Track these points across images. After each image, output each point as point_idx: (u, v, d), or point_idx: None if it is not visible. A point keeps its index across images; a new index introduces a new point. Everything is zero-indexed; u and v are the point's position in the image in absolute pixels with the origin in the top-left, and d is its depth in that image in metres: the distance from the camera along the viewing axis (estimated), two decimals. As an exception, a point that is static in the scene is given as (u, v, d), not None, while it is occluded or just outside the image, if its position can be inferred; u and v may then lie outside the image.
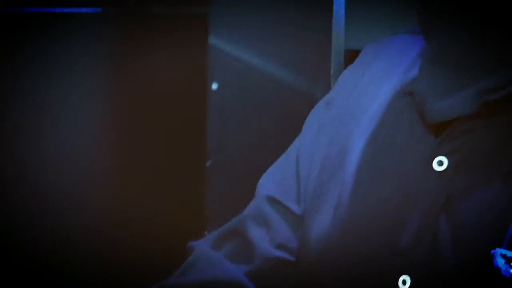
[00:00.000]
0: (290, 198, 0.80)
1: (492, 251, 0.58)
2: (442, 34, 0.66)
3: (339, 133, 0.78)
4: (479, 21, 0.64)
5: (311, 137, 0.82)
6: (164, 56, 2.01)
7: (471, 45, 0.64)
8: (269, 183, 0.83)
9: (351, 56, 1.89)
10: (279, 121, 1.84)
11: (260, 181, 0.85)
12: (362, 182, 0.73)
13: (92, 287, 1.94)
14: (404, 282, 0.64)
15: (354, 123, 0.77)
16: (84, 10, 2.03)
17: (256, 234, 0.79)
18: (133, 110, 2.03)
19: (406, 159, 0.69)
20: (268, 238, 0.78)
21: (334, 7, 1.74)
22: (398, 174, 0.70)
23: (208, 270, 0.77)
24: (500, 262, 0.58)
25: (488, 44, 0.64)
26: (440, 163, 0.66)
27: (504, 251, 0.58)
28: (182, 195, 2.00)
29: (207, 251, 0.80)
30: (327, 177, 0.76)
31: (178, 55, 2.01)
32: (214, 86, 1.97)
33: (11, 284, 1.90)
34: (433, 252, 0.63)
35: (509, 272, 0.57)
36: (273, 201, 0.80)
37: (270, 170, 0.86)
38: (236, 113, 1.95)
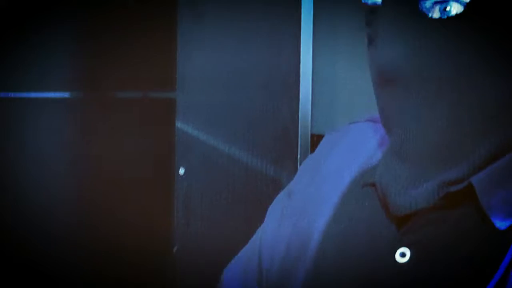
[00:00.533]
0: None
1: None
2: (402, 127, 0.67)
3: (302, 220, 0.79)
4: (438, 115, 0.65)
5: (273, 226, 0.82)
6: (131, 140, 2.02)
7: (431, 138, 0.66)
8: (232, 279, 0.84)
9: (318, 140, 1.90)
10: (247, 204, 1.83)
11: (223, 275, 0.86)
12: (326, 266, 0.73)
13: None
14: None
15: (316, 211, 0.78)
16: (52, 95, 2.05)
17: None
18: (99, 194, 2.01)
19: (367, 249, 0.70)
20: None
21: (301, 91, 1.75)
22: (360, 263, 0.70)
23: None
24: None
25: (448, 137, 0.65)
26: (403, 254, 0.66)
27: None
28: (149, 279, 1.94)
29: None
30: (291, 262, 0.77)
31: (145, 139, 2.02)
32: (181, 170, 1.96)
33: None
34: None
35: None
36: None
37: (233, 264, 0.86)
38: (203, 197, 1.93)
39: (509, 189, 0.64)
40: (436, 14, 0.64)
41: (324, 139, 0.87)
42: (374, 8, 0.68)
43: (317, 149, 0.87)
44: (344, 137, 0.83)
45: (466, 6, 0.63)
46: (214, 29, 1.92)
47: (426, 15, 0.64)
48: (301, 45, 1.72)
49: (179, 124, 1.96)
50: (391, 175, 0.68)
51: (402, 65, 0.64)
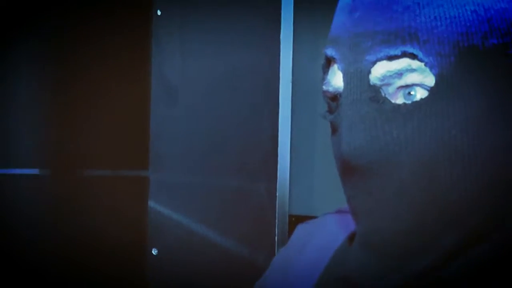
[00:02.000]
0: None
1: None
2: (369, 216, 0.66)
3: None
4: (406, 203, 0.64)
5: None
6: (102, 219, 1.96)
7: (399, 228, 0.65)
8: None
9: (296, 221, 1.87)
10: (221, 288, 1.77)
11: None
12: None
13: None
14: None
15: None
16: (20, 171, 2.01)
17: None
18: (68, 276, 1.94)
19: None
20: None
21: (279, 170, 1.71)
22: None
23: None
24: None
25: (416, 226, 0.64)
26: None
27: None
28: None
29: None
30: None
31: (118, 219, 1.96)
32: (154, 251, 1.92)
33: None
34: None
35: None
36: None
37: None
38: (176, 279, 1.88)
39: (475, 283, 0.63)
40: (400, 100, 0.64)
41: (295, 232, 0.87)
42: (335, 95, 0.68)
43: (289, 243, 0.87)
44: (317, 232, 0.84)
45: (430, 90, 0.62)
46: (188, 107, 1.89)
47: (389, 101, 0.64)
48: (279, 122, 1.70)
49: (151, 204, 1.92)
50: (361, 267, 0.68)
51: (367, 152, 0.64)
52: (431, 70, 0.62)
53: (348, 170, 0.66)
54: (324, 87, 0.69)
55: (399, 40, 0.63)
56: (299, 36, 1.76)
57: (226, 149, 1.79)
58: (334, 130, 0.69)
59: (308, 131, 1.87)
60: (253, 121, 1.76)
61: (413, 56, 0.62)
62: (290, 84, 1.73)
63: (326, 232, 0.83)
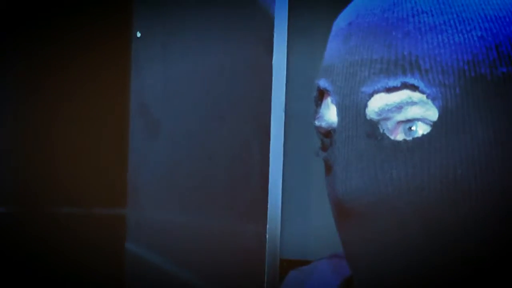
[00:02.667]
0: None
1: None
2: (367, 262, 0.64)
3: None
4: (408, 245, 0.62)
5: None
6: (74, 262, 1.86)
7: (404, 279, 0.62)
8: None
9: (288, 266, 1.80)
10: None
11: None
12: None
13: None
14: None
15: None
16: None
17: None
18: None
19: None
20: None
21: (269, 210, 1.58)
22: None
23: None
24: None
25: (421, 279, 0.62)
26: None
27: None
28: None
29: None
30: None
31: (91, 263, 1.86)
32: None
33: None
34: None
35: None
36: None
37: None
38: None
39: None
40: (400, 136, 0.62)
41: (288, 279, 0.86)
42: (329, 131, 0.66)
43: None
44: (309, 280, 0.82)
45: (433, 125, 0.60)
46: (170, 139, 1.79)
47: (388, 137, 0.61)
48: (270, 158, 1.59)
49: (129, 246, 1.85)
50: None
51: (364, 194, 0.61)
52: (433, 102, 0.59)
53: (344, 213, 0.64)
54: (317, 122, 0.67)
55: (399, 70, 0.60)
56: (292, 64, 1.68)
57: (212, 186, 1.70)
58: (328, 169, 0.66)
59: (302, 168, 1.78)
60: (241, 156, 1.67)
61: (414, 88, 0.60)
62: (283, 116, 1.63)
63: (319, 280, 0.81)
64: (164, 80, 1.81)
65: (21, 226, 1.87)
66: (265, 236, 1.59)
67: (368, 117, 0.62)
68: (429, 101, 0.60)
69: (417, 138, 0.60)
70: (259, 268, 1.60)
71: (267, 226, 1.59)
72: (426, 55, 0.60)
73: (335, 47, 0.66)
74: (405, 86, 0.60)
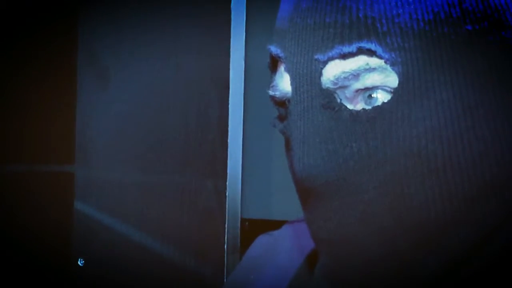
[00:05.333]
0: None
1: None
2: (334, 244, 0.62)
3: None
4: (373, 229, 0.60)
5: None
6: (21, 222, 1.78)
7: (369, 260, 0.60)
8: None
9: (250, 227, 1.78)
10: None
11: None
12: None
13: None
14: None
15: None
16: None
17: None
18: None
19: None
20: None
21: (229, 166, 1.55)
22: None
23: None
24: None
25: (388, 259, 0.60)
26: None
27: None
28: None
29: None
30: None
31: (38, 223, 1.79)
32: (80, 262, 1.78)
33: None
34: None
35: None
36: None
37: None
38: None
39: None
40: (359, 105, 0.59)
41: (258, 243, 0.84)
42: (284, 101, 0.63)
43: (247, 258, 0.83)
44: (281, 246, 0.81)
45: (394, 92, 0.57)
46: (120, 91, 1.73)
47: (346, 107, 0.59)
48: (229, 111, 1.55)
49: (78, 205, 1.79)
50: None
51: (323, 170, 0.58)
52: (393, 68, 0.56)
53: (304, 191, 0.61)
54: (271, 92, 0.63)
55: (354, 34, 0.57)
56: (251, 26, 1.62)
57: (166, 141, 1.65)
58: (287, 142, 0.63)
59: (264, 121, 1.72)
60: (198, 109, 1.62)
61: (371, 53, 0.57)
62: (243, 65, 1.58)
63: (287, 248, 0.80)
64: (115, 26, 1.74)
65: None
66: (225, 194, 1.56)
67: (323, 87, 0.58)
68: (388, 67, 0.56)
69: (377, 106, 0.57)
70: (219, 228, 1.57)
71: (227, 183, 1.56)
72: (383, 16, 0.57)
73: (287, 9, 0.62)
74: (361, 51, 0.57)
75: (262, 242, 0.84)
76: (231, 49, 1.55)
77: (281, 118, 0.64)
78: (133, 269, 1.69)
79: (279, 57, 0.62)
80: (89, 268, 1.74)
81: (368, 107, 0.58)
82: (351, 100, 0.59)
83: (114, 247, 1.70)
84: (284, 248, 0.80)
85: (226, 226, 1.56)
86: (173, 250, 1.62)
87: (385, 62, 0.56)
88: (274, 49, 0.62)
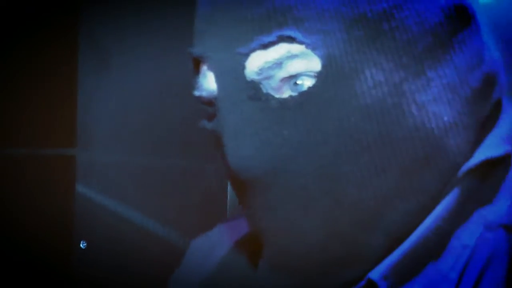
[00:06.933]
0: None
1: None
2: (274, 234, 0.62)
3: None
4: (312, 213, 0.60)
5: None
6: (24, 205, 1.78)
7: (313, 245, 0.60)
8: None
9: None
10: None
11: None
12: None
13: None
14: None
15: None
16: None
17: None
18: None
19: None
20: None
21: None
22: None
23: None
24: None
25: (332, 242, 0.60)
26: None
27: None
28: None
29: None
30: None
31: (40, 206, 1.79)
32: (83, 244, 1.79)
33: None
34: None
35: None
36: None
37: None
38: (107, 276, 1.72)
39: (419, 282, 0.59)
40: (286, 93, 0.58)
41: (190, 249, 0.85)
42: (211, 100, 0.62)
43: (184, 262, 0.83)
44: (213, 242, 0.81)
45: (318, 76, 0.57)
46: (122, 74, 1.73)
47: (273, 97, 0.58)
48: None
49: (79, 188, 1.79)
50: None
51: (258, 161, 0.58)
52: (315, 52, 0.56)
53: (240, 184, 0.60)
54: (197, 92, 0.64)
55: (273, 23, 0.57)
56: None
57: (168, 124, 1.65)
58: (218, 140, 0.62)
59: None
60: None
61: (291, 40, 0.56)
62: None
63: (221, 242, 0.80)
64: (116, 10, 1.74)
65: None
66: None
67: (248, 79, 0.58)
68: (310, 51, 0.56)
69: (304, 92, 0.57)
70: (220, 211, 1.58)
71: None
72: (299, 2, 0.57)
73: (204, 8, 0.62)
74: (281, 39, 0.56)
75: (196, 244, 0.85)
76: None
77: (210, 117, 0.64)
78: (134, 251, 1.70)
79: (201, 57, 0.62)
80: (91, 250, 1.76)
81: (294, 94, 0.58)
82: (277, 90, 0.59)
83: (116, 229, 1.70)
84: (218, 243, 0.81)
85: (227, 208, 1.58)
86: (174, 232, 1.63)
87: (306, 47, 0.56)
88: (196, 50, 0.62)
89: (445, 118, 0.60)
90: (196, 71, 0.64)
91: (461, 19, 0.61)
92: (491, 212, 0.61)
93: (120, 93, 1.73)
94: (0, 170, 1.79)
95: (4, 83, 1.80)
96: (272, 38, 0.57)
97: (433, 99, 0.59)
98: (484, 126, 0.64)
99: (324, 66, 0.57)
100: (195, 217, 1.60)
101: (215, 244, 0.81)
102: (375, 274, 0.58)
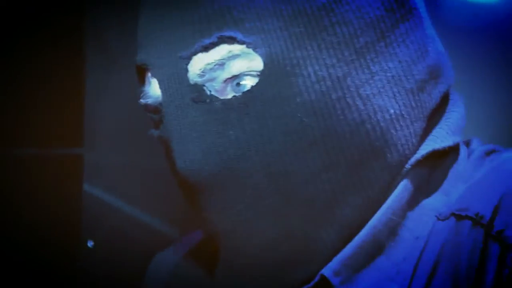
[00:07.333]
0: None
1: None
2: (229, 238, 0.62)
3: None
4: (264, 215, 0.60)
5: None
6: (30, 205, 1.76)
7: (268, 243, 0.60)
8: None
9: None
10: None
11: None
12: None
13: None
14: None
15: None
16: None
17: None
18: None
19: None
20: None
21: None
22: None
23: None
24: None
25: (287, 239, 0.59)
26: None
27: None
28: None
29: None
30: None
31: (47, 205, 1.77)
32: (90, 243, 1.77)
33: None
34: None
35: None
36: None
37: None
38: (115, 275, 1.70)
39: (371, 275, 0.58)
40: (230, 94, 0.58)
41: (153, 265, 0.87)
42: (157, 107, 0.62)
43: (147, 280, 0.87)
44: (171, 264, 0.82)
45: (261, 75, 0.57)
46: (129, 75, 1.68)
47: (217, 98, 0.58)
48: None
49: (86, 187, 1.77)
50: None
51: (206, 164, 0.58)
52: (256, 51, 0.56)
53: (190, 189, 0.60)
54: (142, 100, 0.64)
55: (213, 25, 0.57)
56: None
57: None
58: (166, 147, 0.62)
59: None
60: None
61: (232, 40, 0.56)
62: None
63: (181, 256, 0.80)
64: (123, 9, 1.69)
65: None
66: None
67: (192, 82, 0.58)
68: (251, 51, 0.56)
69: (247, 91, 0.57)
70: None
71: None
72: (238, 3, 0.56)
73: (144, 15, 0.62)
74: (222, 40, 0.56)
75: (158, 259, 0.85)
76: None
77: (157, 124, 0.63)
78: (142, 251, 1.60)
79: (145, 65, 0.61)
80: (99, 249, 1.74)
81: (238, 94, 0.57)
82: (221, 91, 0.59)
83: (124, 228, 1.69)
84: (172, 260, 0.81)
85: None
86: (181, 232, 1.61)
87: (247, 46, 0.56)
88: (139, 58, 0.62)
89: (391, 111, 0.59)
90: (141, 79, 0.63)
91: (403, 12, 0.60)
92: (441, 202, 0.60)
93: (127, 93, 1.71)
94: (7, 169, 1.78)
95: (10, 83, 1.78)
96: (212, 39, 0.57)
97: (378, 92, 0.58)
98: (432, 118, 0.63)
99: (266, 64, 0.56)
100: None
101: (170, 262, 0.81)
102: (327, 270, 0.58)
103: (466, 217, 0.58)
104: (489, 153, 0.64)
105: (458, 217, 0.58)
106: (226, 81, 0.58)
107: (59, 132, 1.81)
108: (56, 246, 1.75)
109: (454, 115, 0.64)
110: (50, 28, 1.80)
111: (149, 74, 0.62)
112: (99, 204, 1.72)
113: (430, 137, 0.62)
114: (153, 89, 0.62)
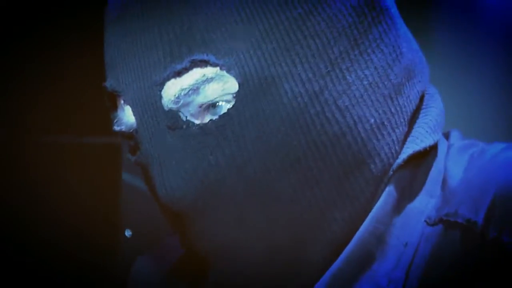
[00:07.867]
0: None
1: None
2: (219, 258, 0.60)
3: None
4: (250, 236, 0.59)
5: None
6: (68, 194, 1.79)
7: (255, 262, 0.59)
8: None
9: None
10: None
11: None
12: None
13: None
14: None
15: None
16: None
17: None
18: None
19: None
20: None
21: None
22: None
23: None
24: None
25: (274, 256, 0.59)
26: None
27: None
28: None
29: None
30: None
31: (85, 194, 1.81)
32: (128, 233, 1.78)
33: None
34: None
35: None
36: None
37: None
38: None
39: None
40: (206, 118, 0.57)
41: (136, 268, 0.84)
42: (131, 133, 0.61)
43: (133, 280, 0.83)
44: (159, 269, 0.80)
45: (237, 96, 0.55)
46: None
47: (193, 123, 0.57)
48: None
49: (125, 176, 1.78)
50: None
51: (187, 191, 0.57)
52: (230, 72, 0.55)
53: (173, 215, 0.59)
54: (116, 127, 0.61)
55: (184, 49, 0.55)
56: None
57: None
58: (145, 172, 0.61)
59: None
60: None
61: (204, 63, 0.55)
62: None
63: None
64: None
65: (14, 156, 1.81)
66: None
67: (166, 108, 0.56)
68: (225, 72, 0.55)
69: (224, 114, 0.56)
70: None
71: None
72: (208, 23, 0.55)
73: (111, 39, 0.60)
74: (194, 64, 0.55)
75: (142, 263, 0.84)
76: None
77: (134, 150, 0.62)
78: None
79: (116, 91, 0.59)
80: (137, 238, 1.75)
81: (215, 117, 0.56)
82: (197, 116, 0.57)
83: (161, 217, 1.69)
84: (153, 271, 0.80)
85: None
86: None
87: (221, 68, 0.54)
88: (109, 84, 0.60)
89: (371, 120, 0.58)
90: (113, 107, 0.62)
91: (374, 14, 0.59)
92: (427, 204, 0.59)
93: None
94: (46, 157, 1.80)
95: (50, 71, 1.79)
96: (185, 64, 0.55)
97: (356, 102, 0.57)
98: (412, 121, 0.62)
99: (241, 85, 0.55)
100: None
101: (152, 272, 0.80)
102: (320, 284, 0.57)
103: (456, 223, 0.56)
104: (468, 148, 0.63)
105: (447, 222, 0.57)
106: (202, 105, 0.57)
107: (99, 120, 1.82)
108: (94, 234, 1.77)
109: (432, 111, 0.63)
110: (92, 19, 1.80)
111: (122, 101, 0.60)
112: (137, 193, 1.72)
113: (410, 139, 0.61)
114: (127, 116, 0.60)
